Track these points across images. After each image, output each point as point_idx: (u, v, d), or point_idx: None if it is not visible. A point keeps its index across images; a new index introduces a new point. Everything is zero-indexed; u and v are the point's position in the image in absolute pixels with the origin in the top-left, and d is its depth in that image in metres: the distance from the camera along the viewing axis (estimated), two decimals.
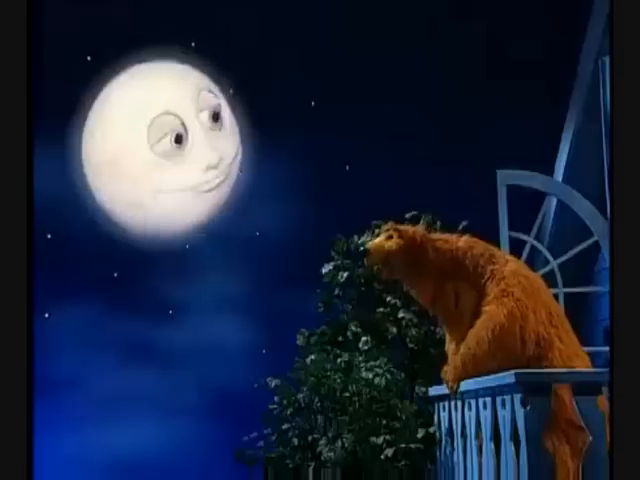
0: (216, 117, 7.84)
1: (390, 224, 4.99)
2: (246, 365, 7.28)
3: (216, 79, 7.90)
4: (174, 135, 7.70)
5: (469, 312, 4.69)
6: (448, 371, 4.76)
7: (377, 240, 4.93)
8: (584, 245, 6.56)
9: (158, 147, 7.69)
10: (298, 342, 6.28)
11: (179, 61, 7.85)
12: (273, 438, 5.86)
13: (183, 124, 7.73)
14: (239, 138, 7.94)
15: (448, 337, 4.90)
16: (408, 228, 4.98)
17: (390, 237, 4.86)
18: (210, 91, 7.89)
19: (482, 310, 4.61)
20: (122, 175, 7.68)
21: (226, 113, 7.93)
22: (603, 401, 4.05)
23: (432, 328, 6.03)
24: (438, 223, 6.17)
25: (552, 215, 7.45)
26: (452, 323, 4.82)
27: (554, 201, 7.16)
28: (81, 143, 7.62)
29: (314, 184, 7.63)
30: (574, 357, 4.46)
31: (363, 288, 6.36)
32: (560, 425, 4.11)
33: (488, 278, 4.66)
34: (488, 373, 4.41)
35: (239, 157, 7.93)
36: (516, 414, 4.12)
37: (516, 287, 4.57)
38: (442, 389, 4.92)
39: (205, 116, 7.83)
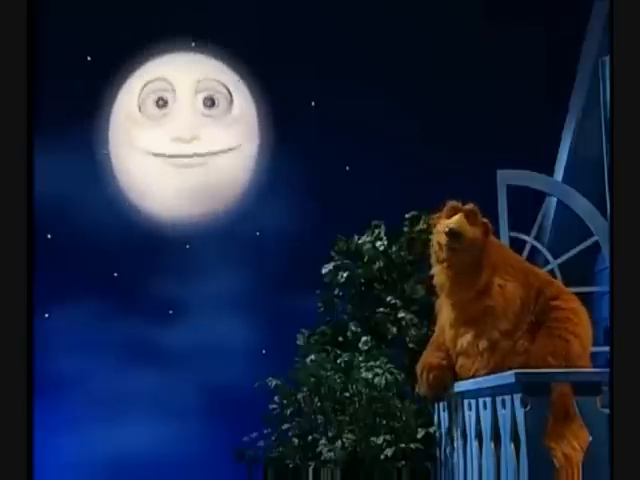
0: (210, 102, 7.85)
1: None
2: (246, 365, 7.28)
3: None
4: (157, 97, 7.82)
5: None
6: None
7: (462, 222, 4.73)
8: (584, 245, 6.55)
9: (144, 107, 7.85)
10: (298, 342, 6.28)
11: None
12: (273, 438, 5.85)
13: (173, 91, 7.81)
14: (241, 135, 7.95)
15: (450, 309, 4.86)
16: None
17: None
18: (220, 81, 7.92)
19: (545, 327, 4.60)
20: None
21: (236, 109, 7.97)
22: None
23: (432, 328, 6.02)
24: None
25: (552, 215, 7.45)
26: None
27: (554, 201, 7.16)
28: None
29: (314, 184, 7.63)
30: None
31: (363, 288, 6.36)
32: (560, 425, 4.10)
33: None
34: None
35: (233, 153, 7.94)
36: (516, 414, 4.12)
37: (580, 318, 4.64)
38: None
39: (200, 97, 7.85)
